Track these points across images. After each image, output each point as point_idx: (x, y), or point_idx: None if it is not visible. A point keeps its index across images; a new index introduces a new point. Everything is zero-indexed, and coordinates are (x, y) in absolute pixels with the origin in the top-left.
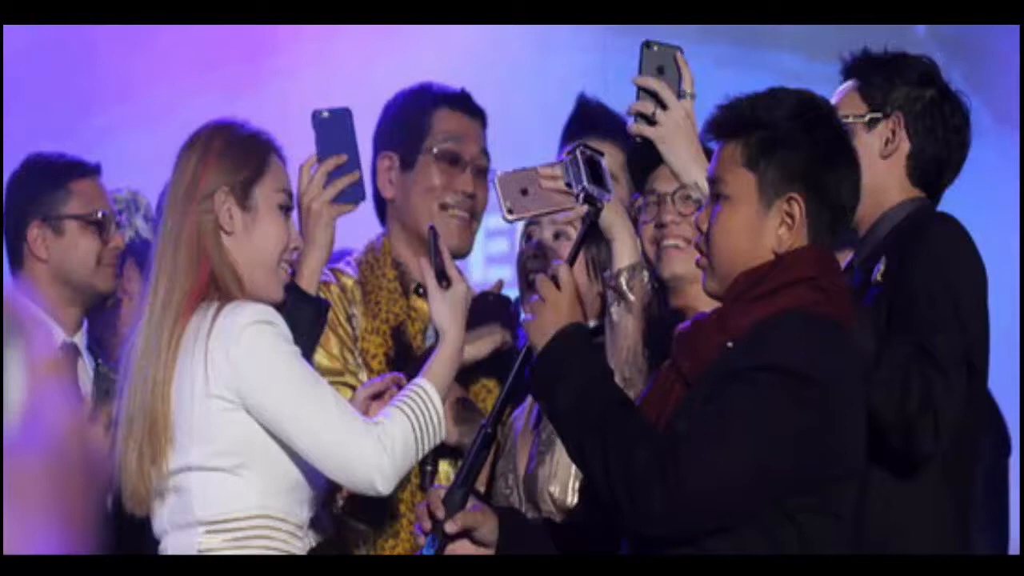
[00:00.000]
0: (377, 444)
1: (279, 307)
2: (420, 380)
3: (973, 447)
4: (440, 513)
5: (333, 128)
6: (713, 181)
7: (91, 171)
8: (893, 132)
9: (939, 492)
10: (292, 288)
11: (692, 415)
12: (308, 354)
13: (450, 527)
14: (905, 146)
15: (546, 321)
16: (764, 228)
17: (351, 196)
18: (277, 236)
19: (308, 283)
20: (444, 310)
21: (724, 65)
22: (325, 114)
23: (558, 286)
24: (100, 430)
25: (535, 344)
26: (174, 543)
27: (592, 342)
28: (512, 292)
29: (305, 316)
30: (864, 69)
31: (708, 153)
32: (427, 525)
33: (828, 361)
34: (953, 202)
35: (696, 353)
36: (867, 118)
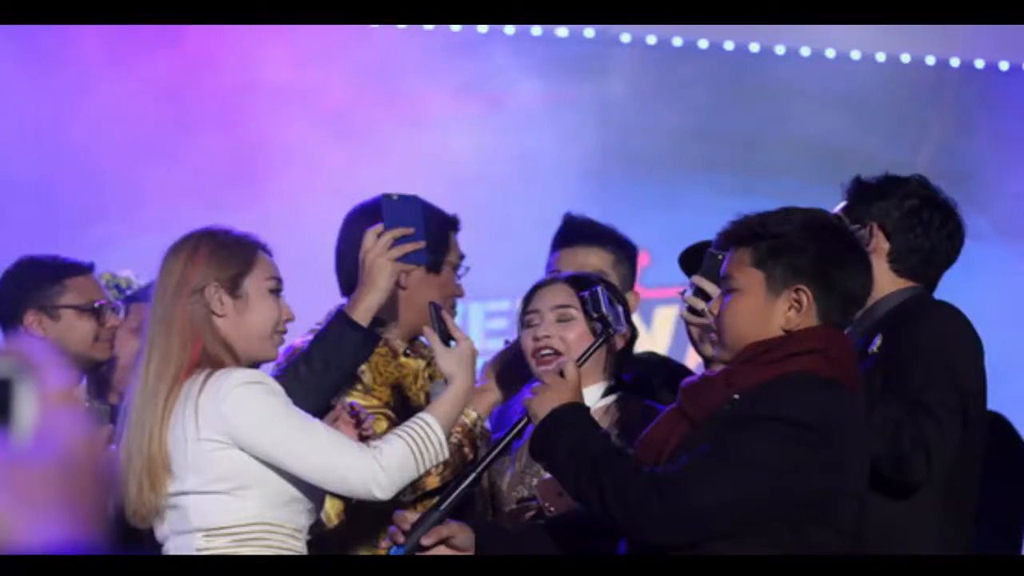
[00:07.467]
0: (371, 459)
1: (324, 330)
2: (421, 413)
3: (973, 492)
4: (406, 527)
5: (401, 208)
6: (723, 279)
7: (85, 269)
8: (871, 236)
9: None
10: (343, 316)
11: (695, 449)
12: (349, 376)
13: (426, 540)
14: (884, 246)
15: (548, 399)
16: (773, 311)
17: (414, 259)
18: (269, 314)
19: (361, 317)
20: (452, 361)
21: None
22: (395, 197)
23: (563, 377)
24: (106, 439)
25: (535, 415)
26: (175, 547)
27: (591, 417)
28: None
29: (351, 340)
30: (853, 192)
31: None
32: (399, 540)
33: (829, 413)
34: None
35: (702, 400)
36: None
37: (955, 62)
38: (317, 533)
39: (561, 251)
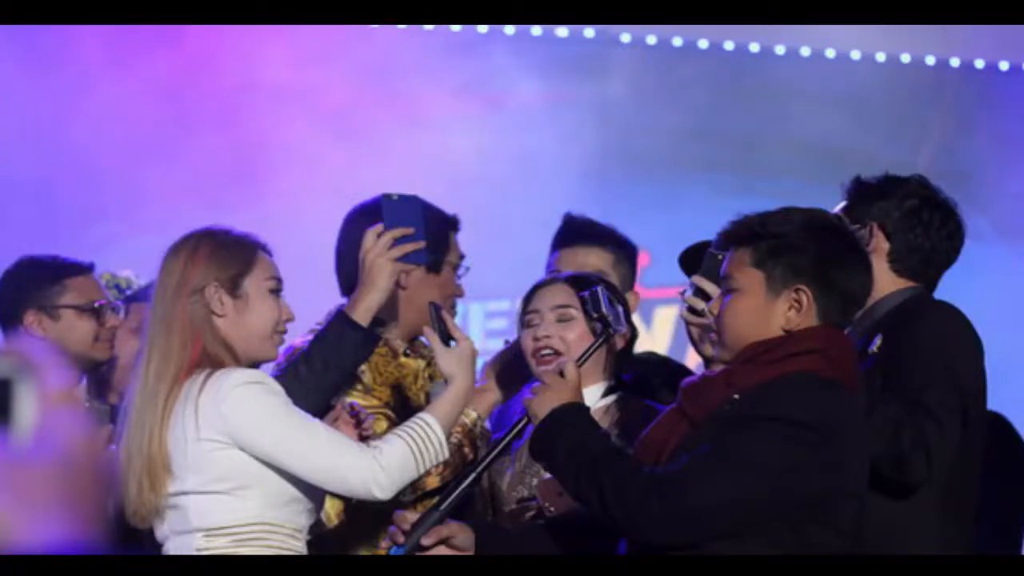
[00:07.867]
0: (371, 459)
1: (324, 330)
2: (421, 413)
3: (973, 492)
4: (406, 527)
5: (400, 208)
6: (723, 279)
7: (85, 269)
8: (871, 236)
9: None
10: (343, 316)
11: (695, 449)
12: (349, 376)
13: (426, 540)
14: (884, 246)
15: (548, 399)
16: (773, 311)
17: (414, 259)
18: (269, 314)
19: (361, 317)
20: (452, 361)
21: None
22: (395, 197)
23: (563, 377)
24: (106, 439)
25: (535, 415)
26: (175, 547)
27: (591, 417)
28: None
29: (351, 340)
30: (853, 192)
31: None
32: (399, 540)
33: (829, 413)
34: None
35: (702, 400)
36: None
37: (955, 62)
38: (317, 533)
39: (561, 251)
